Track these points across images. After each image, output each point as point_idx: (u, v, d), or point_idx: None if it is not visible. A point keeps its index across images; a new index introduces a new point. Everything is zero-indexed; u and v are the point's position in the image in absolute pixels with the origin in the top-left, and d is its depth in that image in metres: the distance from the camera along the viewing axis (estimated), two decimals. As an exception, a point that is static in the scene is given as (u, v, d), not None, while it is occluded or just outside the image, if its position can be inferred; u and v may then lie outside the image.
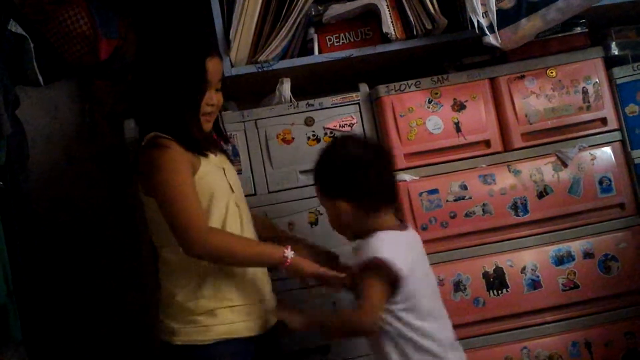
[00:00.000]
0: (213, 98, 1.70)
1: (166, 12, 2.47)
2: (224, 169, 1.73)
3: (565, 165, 2.11)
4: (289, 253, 1.62)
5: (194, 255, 1.58)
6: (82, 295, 2.45)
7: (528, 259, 2.07)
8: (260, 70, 2.12)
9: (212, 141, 1.78)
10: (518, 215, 2.09)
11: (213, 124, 1.77)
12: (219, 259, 1.61)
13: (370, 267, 1.57)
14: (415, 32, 2.14)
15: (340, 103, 2.13)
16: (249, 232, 1.73)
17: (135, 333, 2.36)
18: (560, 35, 2.18)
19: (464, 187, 2.08)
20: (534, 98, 2.13)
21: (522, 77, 2.14)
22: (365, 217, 1.65)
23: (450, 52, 2.24)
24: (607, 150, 2.14)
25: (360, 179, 1.63)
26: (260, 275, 1.73)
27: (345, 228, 1.70)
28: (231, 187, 1.72)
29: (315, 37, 2.18)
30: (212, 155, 1.72)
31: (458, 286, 2.04)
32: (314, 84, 2.30)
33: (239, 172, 1.94)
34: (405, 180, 2.05)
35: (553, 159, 2.12)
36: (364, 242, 1.64)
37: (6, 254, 1.78)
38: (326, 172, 1.70)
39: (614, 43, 2.25)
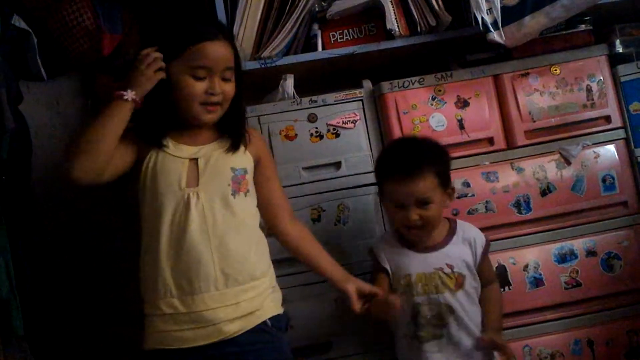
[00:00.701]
0: (215, 87, 1.63)
1: (169, 7, 2.46)
2: (196, 159, 1.65)
3: (568, 163, 2.11)
4: (129, 94, 1.55)
5: (71, 179, 1.53)
6: (84, 291, 2.45)
7: (530, 256, 2.07)
8: (263, 66, 2.11)
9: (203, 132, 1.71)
10: (521, 213, 2.08)
11: (229, 121, 1.71)
12: (76, 155, 1.53)
13: (489, 246, 1.90)
14: (419, 29, 2.13)
15: (344, 99, 2.12)
16: (195, 230, 1.60)
17: (137, 328, 2.36)
18: (564, 32, 2.17)
19: (467, 185, 2.07)
20: (538, 95, 2.13)
21: (526, 74, 2.14)
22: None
23: (454, 49, 2.24)
24: (611, 148, 2.13)
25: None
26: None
27: (440, 221, 1.87)
28: (197, 179, 1.63)
29: (319, 33, 2.18)
30: (182, 146, 1.66)
31: (460, 283, 2.04)
32: (317, 81, 2.29)
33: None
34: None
35: (556, 156, 2.11)
36: (467, 227, 1.91)
37: (9, 249, 1.79)
38: (445, 160, 1.87)
39: (618, 40, 2.23)
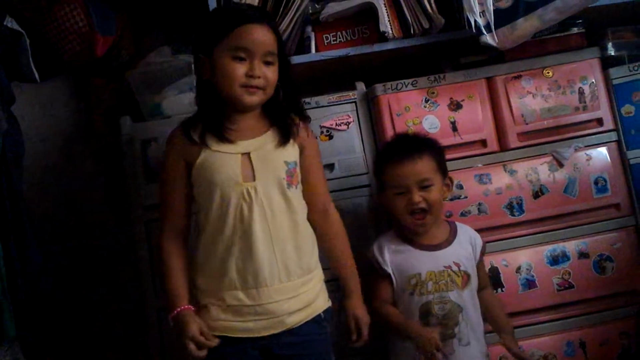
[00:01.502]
0: (255, 69, 1.62)
1: (163, 9, 2.47)
2: (249, 154, 1.66)
3: (561, 165, 2.12)
4: (184, 311, 1.62)
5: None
6: (78, 293, 2.44)
7: (523, 258, 2.07)
8: (256, 68, 2.11)
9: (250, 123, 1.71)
10: (513, 215, 2.09)
11: (278, 111, 1.72)
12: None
13: (485, 248, 1.93)
14: (412, 31, 2.14)
15: (337, 101, 2.12)
16: (256, 224, 1.63)
17: (132, 330, 2.36)
18: (557, 35, 2.18)
19: (460, 187, 2.08)
20: (531, 98, 2.14)
21: (519, 77, 2.15)
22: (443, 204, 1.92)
23: (447, 52, 2.24)
24: (603, 150, 2.14)
25: None
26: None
27: (442, 207, 1.91)
28: (253, 174, 1.64)
29: (312, 35, 2.18)
30: (229, 145, 1.66)
31: (453, 285, 2.04)
32: (311, 82, 2.30)
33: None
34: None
35: (549, 159, 2.12)
36: (466, 228, 1.94)
37: (1, 251, 1.78)
38: (440, 148, 1.92)
39: (610, 43, 2.25)
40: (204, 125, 1.67)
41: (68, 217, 2.48)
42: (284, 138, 1.70)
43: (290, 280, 1.66)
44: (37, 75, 2.16)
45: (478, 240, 1.92)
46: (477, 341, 1.84)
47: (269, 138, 1.70)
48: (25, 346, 1.85)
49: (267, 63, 1.65)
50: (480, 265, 1.92)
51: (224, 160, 1.65)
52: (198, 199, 1.70)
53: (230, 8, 1.75)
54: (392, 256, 1.89)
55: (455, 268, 1.85)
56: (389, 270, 1.87)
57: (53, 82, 2.49)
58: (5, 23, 2.06)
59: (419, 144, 1.89)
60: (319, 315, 1.70)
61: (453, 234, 1.91)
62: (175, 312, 1.62)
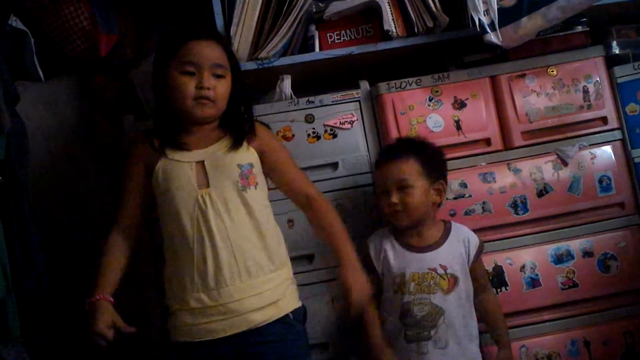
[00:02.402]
0: (204, 80, 1.70)
1: (167, 8, 2.47)
2: (203, 162, 1.72)
3: (565, 164, 2.11)
4: (99, 301, 1.68)
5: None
6: (80, 293, 2.44)
7: (527, 257, 2.07)
8: (260, 67, 2.12)
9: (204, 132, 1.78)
10: (518, 214, 2.09)
11: (231, 120, 1.79)
12: None
13: (482, 248, 1.92)
14: (416, 30, 2.14)
15: (341, 100, 2.12)
16: (213, 228, 1.68)
17: (134, 326, 2.35)
18: (561, 33, 2.18)
19: (464, 185, 2.08)
20: (535, 96, 2.13)
21: (523, 75, 2.14)
22: (436, 207, 1.91)
23: (451, 50, 2.24)
24: (607, 149, 2.14)
25: (446, 167, 1.96)
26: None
27: (423, 210, 1.87)
28: (207, 181, 1.71)
29: (316, 34, 2.18)
30: (184, 152, 1.74)
31: (457, 284, 2.04)
32: (315, 81, 2.29)
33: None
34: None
35: (553, 157, 2.12)
36: (461, 228, 1.93)
37: (5, 250, 1.78)
38: (433, 153, 1.92)
39: (614, 42, 2.25)
40: (161, 137, 1.76)
41: (71, 216, 2.48)
42: (236, 143, 1.76)
43: (251, 279, 1.69)
44: (41, 74, 2.16)
45: (473, 241, 1.91)
46: (457, 344, 1.83)
47: (222, 145, 1.77)
48: (30, 346, 1.85)
49: (217, 76, 1.73)
50: (476, 266, 1.91)
51: (180, 168, 1.73)
52: (158, 208, 1.77)
53: (179, 28, 1.83)
54: (383, 253, 1.91)
55: (441, 271, 1.85)
56: (378, 268, 1.90)
57: (57, 81, 2.50)
58: (9, 22, 2.06)
59: (404, 147, 1.91)
60: (287, 315, 1.73)
61: (445, 235, 1.90)
62: (92, 299, 1.69)
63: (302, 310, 1.79)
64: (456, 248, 1.89)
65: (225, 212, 1.70)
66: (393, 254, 1.89)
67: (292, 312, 1.74)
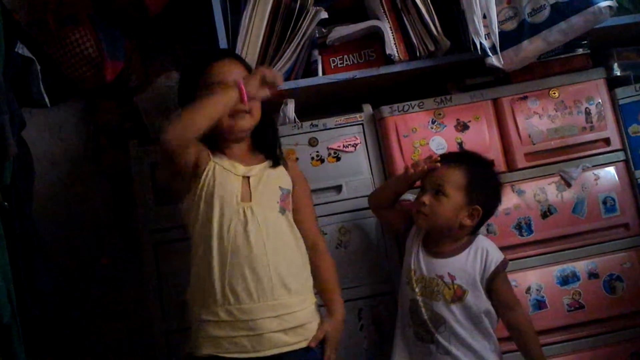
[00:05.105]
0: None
1: (171, 34, 2.49)
2: (248, 178, 1.75)
3: (569, 185, 2.11)
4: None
5: (167, 148, 1.66)
6: (85, 317, 2.44)
7: (533, 279, 2.06)
8: (264, 91, 2.13)
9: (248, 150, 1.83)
10: (522, 235, 2.08)
11: (262, 138, 1.84)
12: (184, 132, 1.65)
13: (504, 266, 1.84)
14: (418, 54, 2.15)
15: (344, 124, 2.14)
16: (252, 241, 1.68)
17: (139, 351, 2.35)
18: (562, 56, 2.19)
19: (468, 207, 2.07)
20: (537, 118, 2.14)
21: (525, 97, 2.15)
22: (464, 229, 1.85)
23: (453, 73, 2.25)
24: (611, 170, 2.14)
25: (498, 203, 1.90)
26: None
27: (446, 224, 1.83)
28: (250, 195, 1.73)
29: (319, 58, 2.20)
30: (237, 164, 1.76)
31: (463, 307, 2.03)
32: (318, 105, 2.31)
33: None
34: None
35: (557, 179, 2.12)
36: (484, 242, 1.87)
37: (10, 275, 1.78)
38: (487, 178, 1.87)
39: (616, 64, 2.26)
40: (210, 147, 1.78)
41: (77, 241, 2.49)
42: (274, 162, 1.81)
43: (283, 298, 1.68)
44: (47, 100, 2.18)
45: (494, 256, 1.84)
46: (463, 355, 1.80)
47: (265, 166, 1.80)
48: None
49: None
50: (497, 284, 1.83)
51: (228, 177, 1.74)
52: (193, 209, 1.74)
53: (199, 54, 1.92)
54: (411, 240, 1.93)
55: (447, 280, 1.82)
56: (407, 244, 1.94)
57: (62, 107, 2.52)
58: (16, 49, 2.08)
59: (463, 158, 1.89)
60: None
61: (464, 246, 1.86)
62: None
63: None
64: (472, 261, 1.84)
65: (265, 227, 1.70)
66: (415, 248, 1.90)
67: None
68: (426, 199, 1.83)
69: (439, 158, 1.86)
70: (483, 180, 1.86)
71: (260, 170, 1.78)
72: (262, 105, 1.81)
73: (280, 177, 1.81)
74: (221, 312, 1.66)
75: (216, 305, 1.66)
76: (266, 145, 1.85)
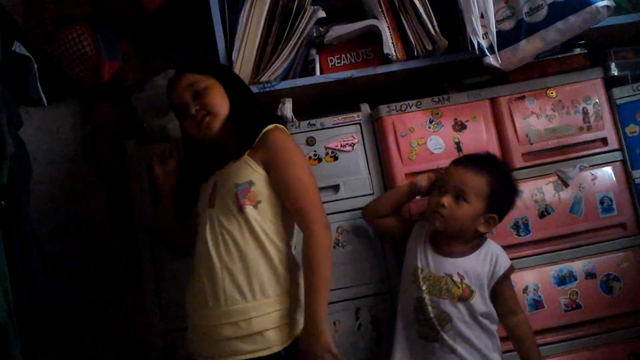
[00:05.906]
0: (190, 108, 1.78)
1: (169, 34, 2.49)
2: (215, 183, 1.78)
3: (566, 185, 2.12)
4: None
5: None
6: (82, 317, 2.43)
7: (530, 279, 2.06)
8: (262, 90, 2.13)
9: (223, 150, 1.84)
10: (520, 235, 2.09)
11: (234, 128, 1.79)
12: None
13: (511, 272, 1.87)
14: (416, 53, 2.15)
15: (342, 123, 2.14)
16: (209, 247, 1.69)
17: (136, 351, 2.35)
18: (560, 56, 2.19)
19: (466, 207, 2.07)
20: (535, 118, 2.14)
21: (523, 97, 2.15)
22: (477, 235, 1.87)
23: (450, 73, 2.25)
24: (608, 170, 2.14)
25: (510, 209, 1.91)
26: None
27: (461, 229, 1.84)
28: (214, 200, 1.76)
29: (317, 57, 2.20)
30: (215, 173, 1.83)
31: (460, 306, 2.03)
32: (316, 104, 2.31)
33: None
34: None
35: (554, 178, 2.12)
36: (493, 247, 1.89)
37: (7, 274, 1.78)
38: (507, 188, 1.88)
39: (613, 64, 2.26)
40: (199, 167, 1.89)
41: (74, 241, 2.48)
42: (236, 157, 1.76)
43: (241, 303, 1.63)
44: (44, 99, 2.18)
45: (501, 260, 1.86)
46: (469, 354, 1.80)
47: (231, 163, 1.78)
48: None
49: (197, 93, 1.78)
50: (504, 288, 1.86)
51: (205, 186, 1.83)
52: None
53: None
54: (416, 238, 1.93)
55: (457, 279, 1.83)
56: (409, 244, 1.94)
57: (59, 106, 2.51)
58: (13, 48, 2.08)
59: (487, 164, 1.87)
60: (278, 353, 1.62)
61: (474, 248, 1.88)
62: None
63: (295, 345, 1.64)
64: (481, 263, 1.85)
65: (220, 231, 1.69)
66: (419, 247, 1.90)
67: (285, 348, 1.63)
68: (446, 201, 1.82)
69: (443, 171, 1.91)
70: (504, 191, 1.87)
71: (224, 171, 1.78)
72: (232, 95, 1.81)
73: (237, 172, 1.72)
74: (190, 317, 1.74)
75: (191, 310, 1.73)
76: (240, 136, 1.77)
